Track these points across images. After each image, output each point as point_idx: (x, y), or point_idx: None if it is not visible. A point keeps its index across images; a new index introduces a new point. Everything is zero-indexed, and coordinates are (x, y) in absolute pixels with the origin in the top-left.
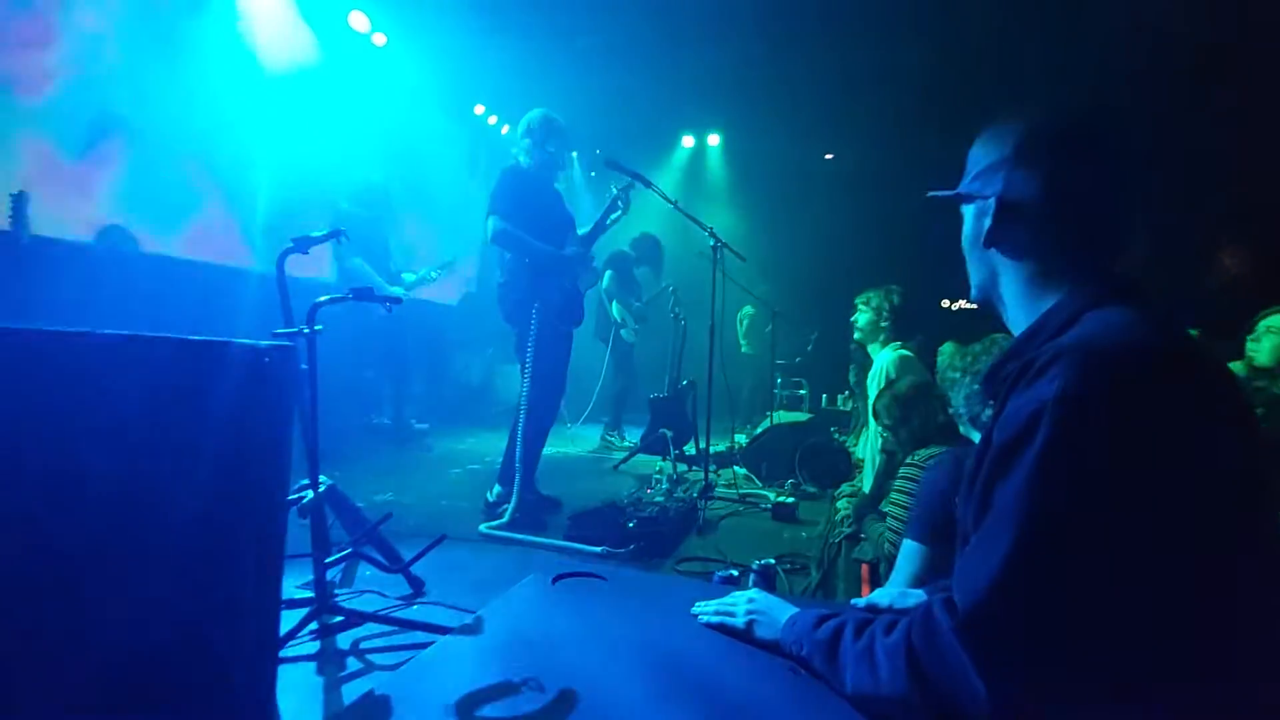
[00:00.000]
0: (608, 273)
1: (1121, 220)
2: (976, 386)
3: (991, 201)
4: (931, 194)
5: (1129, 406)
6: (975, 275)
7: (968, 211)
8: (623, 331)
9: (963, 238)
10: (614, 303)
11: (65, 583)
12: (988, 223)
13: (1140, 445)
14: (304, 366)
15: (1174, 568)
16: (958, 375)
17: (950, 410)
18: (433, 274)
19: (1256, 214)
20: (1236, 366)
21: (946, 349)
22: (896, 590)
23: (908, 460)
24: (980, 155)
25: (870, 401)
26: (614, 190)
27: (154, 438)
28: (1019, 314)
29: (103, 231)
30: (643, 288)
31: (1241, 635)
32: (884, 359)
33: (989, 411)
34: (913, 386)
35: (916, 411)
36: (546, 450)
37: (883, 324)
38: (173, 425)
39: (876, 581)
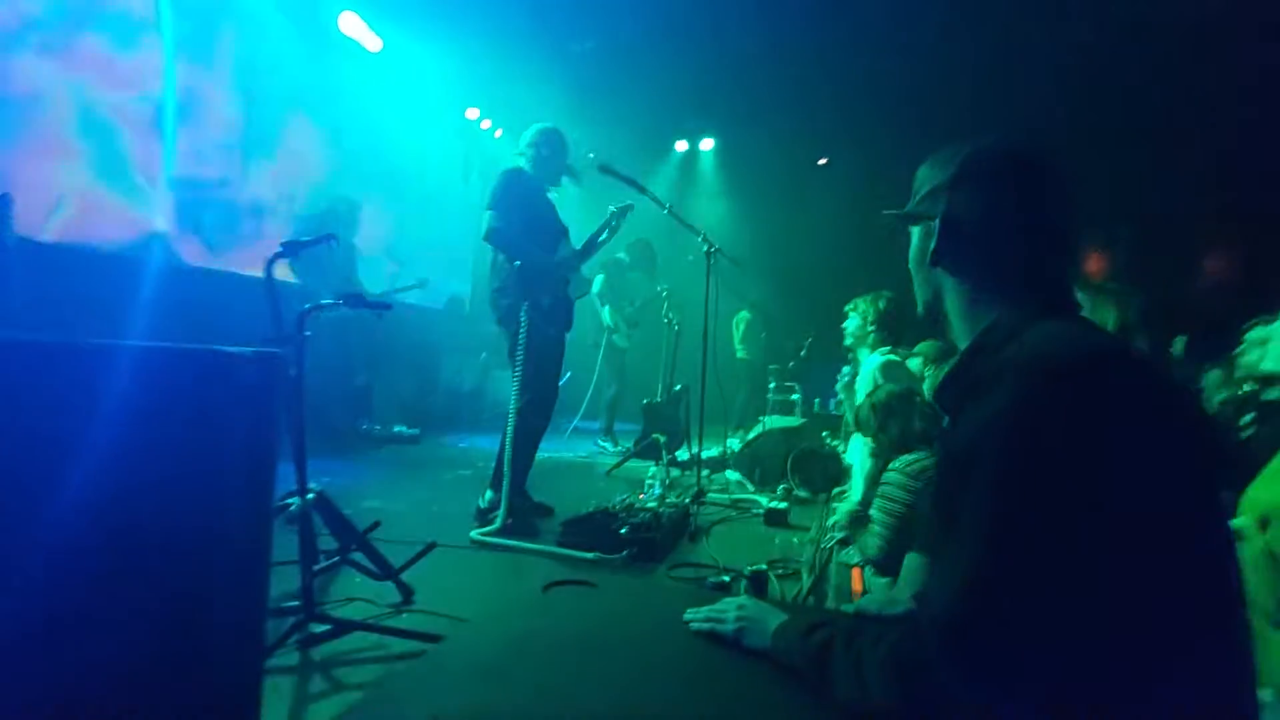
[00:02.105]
0: (600, 277)
1: (1059, 239)
2: None
3: (936, 222)
4: (885, 213)
5: (1077, 412)
6: (921, 293)
7: (915, 231)
8: (615, 337)
9: (909, 257)
10: (607, 307)
11: (46, 590)
12: (932, 243)
13: (1091, 448)
14: (292, 372)
15: (1132, 567)
16: None
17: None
18: (402, 292)
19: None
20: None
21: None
22: (885, 597)
23: (890, 466)
24: (926, 178)
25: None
26: (610, 210)
27: (138, 444)
28: (963, 329)
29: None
30: (636, 293)
31: (1201, 631)
32: (871, 363)
33: None
34: (890, 394)
35: (894, 418)
36: (538, 455)
37: (870, 329)
38: (158, 432)
39: (867, 587)
